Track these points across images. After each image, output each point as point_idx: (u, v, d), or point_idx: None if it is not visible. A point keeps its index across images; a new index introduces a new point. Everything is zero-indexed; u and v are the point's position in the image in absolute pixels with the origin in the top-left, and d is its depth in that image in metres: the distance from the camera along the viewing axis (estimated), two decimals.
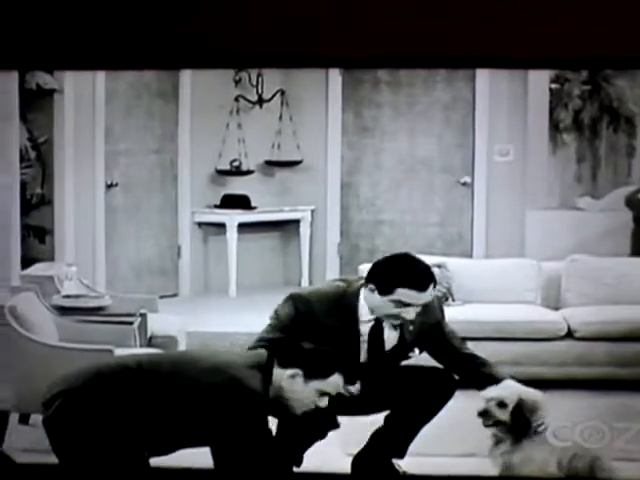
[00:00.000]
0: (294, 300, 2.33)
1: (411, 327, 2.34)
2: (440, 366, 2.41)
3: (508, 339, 3.45)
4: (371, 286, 2.29)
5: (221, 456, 1.95)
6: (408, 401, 2.35)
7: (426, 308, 2.34)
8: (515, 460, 2.24)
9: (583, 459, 2.23)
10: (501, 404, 2.24)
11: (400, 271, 2.29)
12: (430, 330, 2.38)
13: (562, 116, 4.66)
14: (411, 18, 2.24)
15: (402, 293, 2.26)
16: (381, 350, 2.35)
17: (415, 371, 2.41)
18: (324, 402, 2.03)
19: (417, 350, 2.40)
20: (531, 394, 2.27)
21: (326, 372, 2.01)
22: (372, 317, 2.32)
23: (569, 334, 3.49)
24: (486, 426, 2.26)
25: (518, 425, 2.23)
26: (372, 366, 2.33)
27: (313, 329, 2.27)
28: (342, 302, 2.32)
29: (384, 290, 2.28)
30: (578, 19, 2.08)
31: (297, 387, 1.99)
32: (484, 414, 2.25)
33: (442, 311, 2.44)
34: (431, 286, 2.29)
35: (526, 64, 2.39)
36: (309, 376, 1.99)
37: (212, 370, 1.97)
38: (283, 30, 2.22)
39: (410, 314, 2.28)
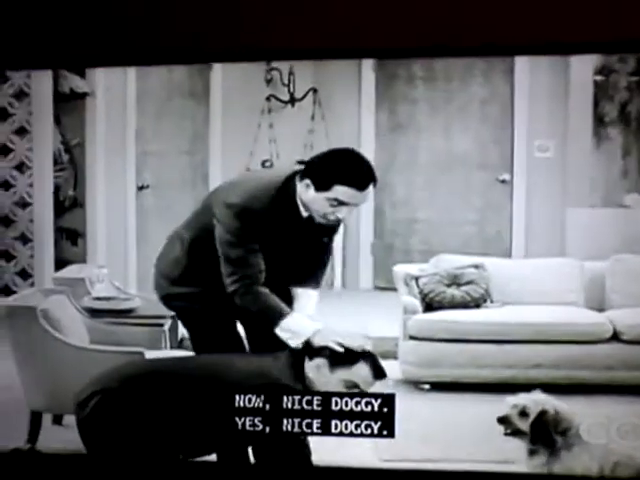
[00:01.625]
0: (237, 211, 2.20)
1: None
2: None
3: (549, 342, 3.34)
4: (307, 181, 2.18)
5: (262, 452, 2.02)
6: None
7: None
8: (555, 471, 2.17)
9: (628, 468, 2.16)
10: (522, 413, 2.20)
11: (340, 167, 2.16)
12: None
13: (607, 109, 4.50)
14: (446, 6, 2.15)
15: (340, 191, 2.15)
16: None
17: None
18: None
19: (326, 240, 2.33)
20: (556, 405, 2.21)
21: (350, 360, 2.04)
22: (306, 214, 2.21)
23: (615, 336, 3.39)
24: (505, 434, 2.22)
25: (537, 437, 2.18)
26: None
27: (262, 233, 2.19)
28: (282, 200, 2.20)
29: (321, 186, 2.16)
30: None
31: (324, 378, 2.04)
32: (504, 420, 2.22)
33: None
34: (371, 185, 2.17)
35: (572, 49, 2.28)
36: (334, 365, 2.04)
37: (255, 374, 2.02)
38: (315, 23, 2.15)
39: (344, 214, 2.18)
